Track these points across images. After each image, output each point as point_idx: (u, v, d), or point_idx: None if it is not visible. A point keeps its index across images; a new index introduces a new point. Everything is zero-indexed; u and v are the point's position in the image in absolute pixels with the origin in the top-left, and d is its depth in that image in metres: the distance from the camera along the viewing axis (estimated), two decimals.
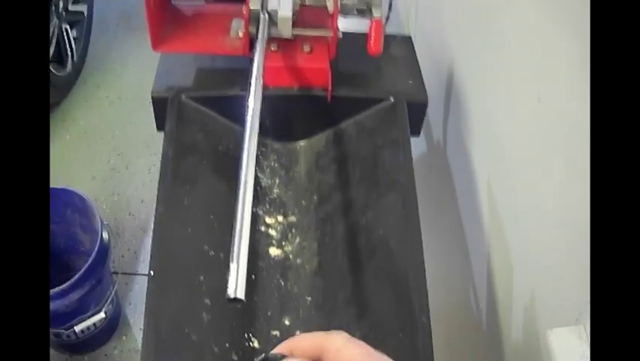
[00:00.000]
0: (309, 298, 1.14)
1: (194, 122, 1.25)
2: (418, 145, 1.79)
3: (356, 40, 1.31)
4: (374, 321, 1.08)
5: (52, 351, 2.29)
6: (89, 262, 1.95)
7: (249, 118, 0.95)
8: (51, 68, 2.99)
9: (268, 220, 1.23)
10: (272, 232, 1.21)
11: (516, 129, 1.17)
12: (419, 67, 1.42)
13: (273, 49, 1.26)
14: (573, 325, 0.90)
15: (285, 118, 1.30)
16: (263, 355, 0.57)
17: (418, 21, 1.93)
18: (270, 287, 1.15)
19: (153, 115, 1.31)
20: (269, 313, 1.12)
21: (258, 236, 1.20)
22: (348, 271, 1.14)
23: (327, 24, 1.28)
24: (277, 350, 0.59)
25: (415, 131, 1.36)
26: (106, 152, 3.03)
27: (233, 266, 0.75)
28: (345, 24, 1.29)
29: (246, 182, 0.85)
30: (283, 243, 1.20)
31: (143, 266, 2.59)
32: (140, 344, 2.36)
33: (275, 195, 1.26)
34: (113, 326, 2.39)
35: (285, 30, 1.23)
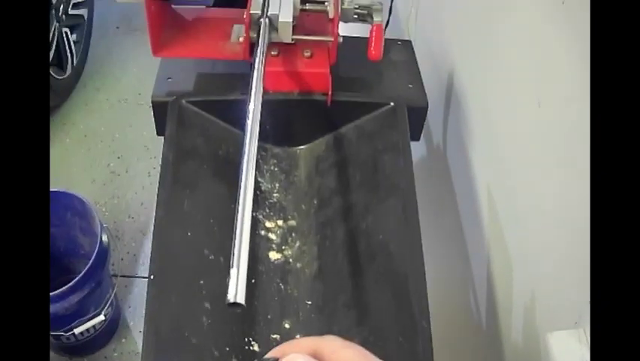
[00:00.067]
0: (309, 302, 1.14)
1: (195, 127, 1.25)
2: (418, 149, 1.79)
3: (356, 44, 1.31)
4: (374, 325, 1.08)
5: (52, 354, 2.30)
6: (89, 264, 1.96)
7: (249, 122, 0.96)
8: (51, 72, 3.00)
9: (268, 224, 1.23)
10: (272, 236, 1.21)
11: (516, 133, 1.17)
12: (419, 71, 1.42)
13: (273, 54, 1.26)
14: (573, 328, 0.91)
15: (285, 122, 1.30)
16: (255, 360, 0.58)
17: (418, 25, 1.93)
18: (270, 291, 1.15)
19: (153, 118, 1.31)
20: (269, 317, 1.12)
21: (257, 240, 1.20)
22: (348, 275, 1.14)
23: (328, 29, 1.28)
24: (271, 354, 0.60)
25: (415, 136, 1.36)
26: (106, 155, 3.04)
27: (233, 271, 0.75)
28: (346, 29, 1.29)
29: (246, 186, 0.85)
30: (283, 247, 1.20)
31: (143, 269, 2.60)
32: (139, 347, 2.36)
33: (275, 200, 1.26)
34: (113, 328, 2.39)
35: (286, 35, 1.23)
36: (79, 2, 3.30)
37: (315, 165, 1.31)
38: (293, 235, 1.22)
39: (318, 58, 1.28)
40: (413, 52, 1.48)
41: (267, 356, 0.59)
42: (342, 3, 1.26)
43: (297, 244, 1.21)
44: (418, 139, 1.38)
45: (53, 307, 1.92)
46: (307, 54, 1.28)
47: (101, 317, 2.15)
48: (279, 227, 1.23)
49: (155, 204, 1.13)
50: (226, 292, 0.73)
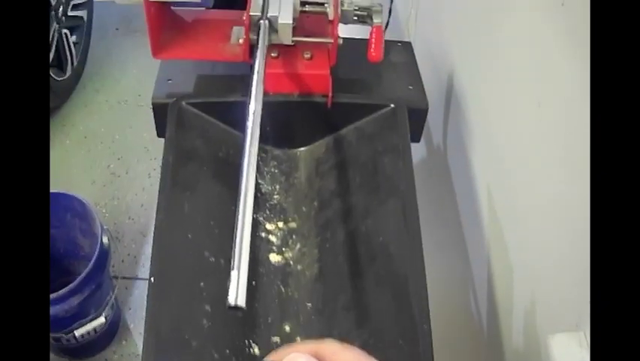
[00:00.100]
0: (309, 305, 1.14)
1: (195, 129, 1.25)
2: (418, 150, 1.79)
3: (356, 46, 1.31)
4: (374, 327, 1.08)
5: (52, 356, 2.30)
6: (89, 266, 1.96)
7: (249, 124, 0.95)
8: (51, 73, 2.99)
9: (268, 226, 1.23)
10: (272, 238, 1.21)
11: (516, 133, 1.17)
12: (419, 73, 1.42)
13: (273, 55, 1.26)
14: (573, 330, 0.91)
15: (286, 124, 1.30)
16: None
17: (418, 26, 1.93)
18: (270, 293, 1.15)
19: (153, 119, 1.31)
20: (269, 320, 1.12)
21: (258, 242, 1.20)
22: (349, 277, 1.14)
23: (328, 31, 1.28)
24: (271, 357, 0.60)
25: (416, 138, 1.36)
26: (106, 156, 3.04)
27: (233, 274, 0.75)
28: (346, 30, 1.29)
29: (246, 188, 0.85)
30: (283, 249, 1.20)
31: (143, 271, 2.60)
32: (140, 349, 2.36)
33: (275, 202, 1.26)
34: (113, 330, 2.39)
35: (286, 37, 1.23)
36: (78, 3, 3.30)
37: (316, 166, 1.31)
38: (293, 236, 1.22)
39: (318, 59, 1.28)
40: (413, 53, 1.48)
41: (266, 359, 0.59)
42: (342, 4, 1.26)
43: (298, 246, 1.21)
44: (418, 141, 1.38)
45: (53, 309, 1.92)
46: (307, 56, 1.28)
47: (102, 319, 2.15)
48: (280, 229, 1.23)
49: (155, 206, 1.13)
50: (227, 295, 0.73)
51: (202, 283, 1.09)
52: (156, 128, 1.32)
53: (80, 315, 2.07)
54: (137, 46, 3.60)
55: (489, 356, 1.32)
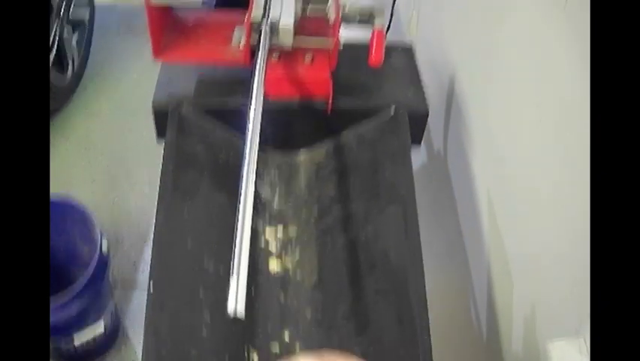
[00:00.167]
0: (308, 313, 1.13)
1: (195, 134, 1.25)
2: (418, 154, 1.79)
3: (357, 50, 1.31)
4: (374, 336, 1.07)
5: None
6: (89, 273, 1.95)
7: (249, 130, 0.95)
8: (51, 75, 2.99)
9: (268, 233, 1.22)
10: (272, 245, 1.21)
11: (516, 138, 1.17)
12: (420, 77, 1.41)
13: (274, 59, 1.26)
14: (573, 337, 0.90)
15: (286, 129, 1.30)
16: None
17: (419, 31, 1.93)
18: (269, 301, 1.14)
19: (154, 122, 1.31)
20: (269, 327, 1.11)
21: (257, 249, 1.19)
22: (348, 285, 1.14)
23: (328, 34, 1.27)
24: None
25: (416, 142, 1.35)
26: (106, 160, 3.03)
27: (233, 282, 0.74)
28: (346, 34, 1.28)
29: (246, 197, 0.84)
30: (283, 256, 1.20)
31: (143, 277, 2.59)
32: (139, 356, 2.34)
33: (275, 208, 1.26)
34: (113, 337, 2.38)
35: (287, 40, 1.23)
36: (80, 5, 3.29)
37: (316, 172, 1.30)
38: (293, 243, 1.21)
39: (319, 63, 1.27)
40: (414, 57, 1.47)
41: None
42: (343, 8, 1.26)
43: (297, 252, 1.20)
44: (418, 144, 1.37)
45: (53, 316, 1.91)
46: (308, 60, 1.27)
47: (101, 326, 2.14)
48: (279, 236, 1.22)
49: (155, 212, 1.12)
50: (226, 303, 0.72)
51: (201, 292, 1.08)
52: (156, 131, 1.31)
53: (80, 322, 2.06)
54: (139, 48, 3.59)
55: None
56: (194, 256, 1.12)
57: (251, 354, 1.08)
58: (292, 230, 1.23)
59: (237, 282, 0.74)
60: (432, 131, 1.73)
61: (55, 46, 3.03)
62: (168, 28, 1.33)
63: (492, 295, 1.29)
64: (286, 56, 1.27)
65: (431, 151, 1.76)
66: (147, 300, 1.02)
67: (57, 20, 3.03)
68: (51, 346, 2.11)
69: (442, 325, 1.31)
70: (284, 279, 1.17)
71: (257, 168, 0.91)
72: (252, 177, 0.88)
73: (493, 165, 1.29)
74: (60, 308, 1.91)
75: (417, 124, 1.33)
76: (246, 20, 1.21)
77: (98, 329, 2.13)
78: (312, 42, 1.27)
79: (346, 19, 1.26)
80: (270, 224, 1.24)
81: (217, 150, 1.26)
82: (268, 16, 1.21)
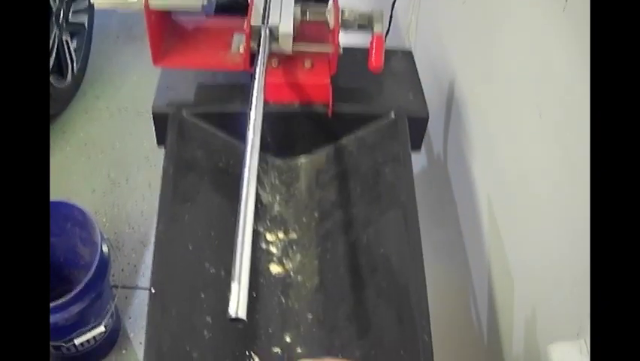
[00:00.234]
0: (310, 315, 1.13)
1: (195, 139, 1.25)
2: (418, 159, 1.79)
3: (356, 55, 1.31)
4: (375, 339, 1.07)
5: None
6: (89, 275, 1.95)
7: (250, 134, 0.95)
8: (51, 80, 2.99)
9: (269, 237, 1.22)
10: (273, 249, 1.21)
11: (516, 141, 1.17)
12: (420, 82, 1.42)
13: (273, 65, 1.26)
14: (574, 339, 0.90)
15: (286, 134, 1.30)
16: None
17: (419, 35, 1.93)
18: (271, 304, 1.14)
19: (153, 126, 1.31)
20: (270, 330, 1.12)
21: (258, 253, 1.20)
22: (349, 288, 1.14)
23: (328, 39, 1.28)
24: None
25: (416, 146, 1.35)
26: (106, 164, 3.03)
27: (234, 286, 0.75)
28: (346, 38, 1.29)
29: (247, 201, 0.85)
30: (284, 260, 1.20)
31: (143, 280, 2.59)
32: (140, 358, 2.35)
33: (276, 212, 1.26)
34: (113, 339, 2.38)
35: (286, 46, 1.23)
36: (79, 9, 3.29)
37: (316, 176, 1.30)
38: (294, 247, 1.22)
39: (319, 69, 1.28)
40: (414, 62, 1.48)
41: None
42: (343, 13, 1.26)
43: (298, 257, 1.20)
44: (418, 149, 1.37)
45: (54, 318, 1.92)
46: (308, 65, 1.27)
47: (102, 328, 2.15)
48: (280, 240, 1.23)
49: (155, 215, 1.12)
50: (227, 307, 0.73)
51: (202, 295, 1.09)
52: (156, 136, 1.32)
53: (80, 324, 2.06)
54: (138, 52, 3.60)
55: None
56: (195, 258, 1.13)
57: (252, 356, 1.08)
58: (293, 234, 1.23)
59: (239, 286, 0.75)
60: (432, 135, 1.73)
61: (55, 50, 3.03)
62: (168, 34, 1.33)
63: (492, 296, 1.29)
64: (286, 62, 1.28)
65: (431, 155, 1.76)
66: (149, 302, 1.03)
67: (56, 25, 3.04)
68: (52, 347, 2.11)
69: (443, 327, 1.31)
70: (285, 282, 1.17)
71: (257, 172, 0.91)
72: (253, 181, 0.89)
73: (493, 168, 1.29)
74: (61, 310, 1.92)
75: (417, 128, 1.34)
76: (245, 26, 1.21)
77: (98, 331, 2.14)
78: (311, 47, 1.28)
79: (345, 24, 1.27)
80: (271, 228, 1.24)
81: (217, 155, 1.26)
82: (267, 21, 1.21)
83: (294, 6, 1.27)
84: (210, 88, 1.35)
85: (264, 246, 1.21)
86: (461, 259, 1.48)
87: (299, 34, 1.26)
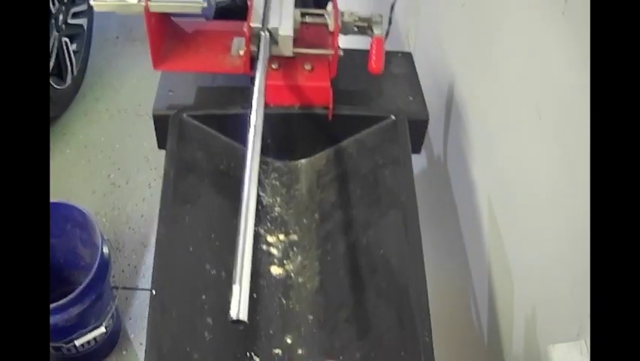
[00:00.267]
0: (310, 317, 1.14)
1: (196, 141, 1.25)
2: (418, 161, 1.79)
3: (356, 57, 1.32)
4: (376, 340, 1.08)
5: None
6: (90, 276, 1.95)
7: (251, 137, 0.96)
8: (51, 82, 2.99)
9: (269, 239, 1.23)
10: (273, 251, 1.21)
11: (516, 144, 1.17)
12: (420, 84, 1.42)
13: (273, 67, 1.26)
14: (574, 340, 0.91)
15: (287, 136, 1.30)
16: None
17: (418, 37, 1.93)
18: (271, 306, 1.15)
19: (153, 129, 1.31)
20: (271, 332, 1.12)
21: (259, 255, 1.20)
22: (350, 290, 1.14)
23: (328, 42, 1.28)
24: None
25: (416, 149, 1.36)
26: (106, 166, 3.03)
27: (235, 288, 0.75)
28: (346, 41, 1.29)
29: (248, 204, 0.85)
30: (284, 261, 1.20)
31: (144, 281, 2.59)
32: (140, 359, 2.36)
33: (276, 214, 1.26)
34: (114, 340, 2.39)
35: (286, 48, 1.24)
36: (78, 12, 3.30)
37: (317, 178, 1.31)
38: (294, 249, 1.22)
39: (319, 71, 1.28)
40: (413, 64, 1.48)
41: None
42: (342, 16, 1.26)
43: (299, 258, 1.21)
44: (418, 152, 1.38)
45: (54, 319, 1.92)
46: (308, 67, 1.28)
47: (102, 329, 2.15)
48: (281, 241, 1.23)
49: (155, 216, 1.13)
50: (228, 309, 0.73)
51: (203, 296, 1.09)
52: (157, 140, 1.32)
53: (81, 325, 2.07)
54: (137, 55, 3.60)
55: None
56: (195, 261, 1.13)
57: (253, 358, 1.09)
58: (293, 236, 1.24)
59: (240, 288, 0.75)
60: (432, 137, 1.73)
61: (55, 53, 3.03)
62: (168, 37, 1.33)
63: (492, 297, 1.29)
64: (286, 64, 1.28)
65: (431, 156, 1.76)
66: (150, 303, 1.03)
67: (56, 27, 3.04)
68: (52, 348, 2.11)
69: (444, 327, 1.32)
70: (286, 284, 1.18)
71: (258, 174, 0.92)
72: (254, 183, 0.89)
73: (492, 169, 1.30)
74: (61, 311, 1.93)
75: (417, 131, 1.34)
76: (245, 28, 1.21)
77: (99, 332, 2.14)
78: (311, 50, 1.28)
79: (345, 27, 1.27)
80: (272, 230, 1.24)
81: (218, 157, 1.27)
82: (267, 24, 1.22)
83: (294, 9, 1.27)
84: (210, 91, 1.36)
85: (264, 247, 1.21)
86: (461, 259, 1.48)
87: (299, 37, 1.26)
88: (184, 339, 1.04)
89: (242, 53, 1.24)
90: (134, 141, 3.13)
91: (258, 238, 1.21)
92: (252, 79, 1.09)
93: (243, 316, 0.73)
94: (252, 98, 1.02)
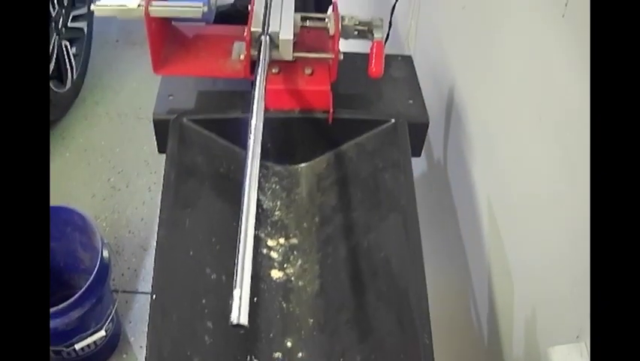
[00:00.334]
0: (311, 320, 1.14)
1: (196, 145, 1.25)
2: (418, 164, 1.79)
3: (356, 61, 1.32)
4: (376, 343, 1.08)
5: None
6: (90, 280, 1.96)
7: (251, 141, 0.96)
8: (50, 85, 2.99)
9: (270, 243, 1.23)
10: (274, 255, 1.21)
11: (516, 148, 1.17)
12: (420, 87, 1.42)
13: (274, 71, 1.27)
14: (574, 342, 0.91)
15: (287, 140, 1.30)
16: None
17: (418, 40, 1.94)
18: (272, 309, 1.15)
19: (153, 132, 1.31)
20: (271, 335, 1.12)
21: (259, 258, 1.20)
22: (350, 293, 1.14)
23: (328, 46, 1.28)
24: None
25: (416, 152, 1.36)
26: (106, 170, 3.04)
27: (236, 292, 0.75)
28: (346, 44, 1.29)
29: (248, 209, 0.85)
30: (285, 265, 1.20)
31: (144, 284, 2.59)
32: None
33: (276, 218, 1.27)
34: (114, 343, 2.39)
35: (287, 53, 1.24)
36: (78, 15, 3.30)
37: (317, 182, 1.31)
38: (295, 253, 1.22)
39: (319, 75, 1.28)
40: (413, 67, 1.48)
41: None
42: (343, 20, 1.27)
43: (299, 262, 1.21)
44: (419, 155, 1.38)
45: (54, 323, 1.92)
46: (308, 71, 1.28)
47: (102, 333, 2.15)
48: (281, 245, 1.23)
49: (155, 220, 1.13)
50: (229, 313, 0.73)
51: (204, 300, 1.09)
52: (157, 144, 1.32)
53: (81, 329, 2.07)
54: (137, 58, 3.60)
55: None
56: (196, 265, 1.13)
57: None
58: (294, 239, 1.24)
59: (241, 292, 0.75)
60: (432, 140, 1.73)
61: (54, 57, 3.03)
62: (168, 41, 1.33)
63: (492, 298, 1.30)
64: (286, 68, 1.28)
65: (431, 159, 1.77)
66: (150, 307, 1.03)
67: (56, 31, 3.04)
68: (53, 352, 2.11)
69: (444, 330, 1.32)
70: (286, 287, 1.18)
71: (258, 179, 0.92)
72: (254, 187, 0.89)
73: (493, 170, 1.30)
74: (61, 314, 1.93)
75: (417, 134, 1.34)
76: (245, 33, 1.22)
77: (99, 335, 2.14)
78: (312, 54, 1.28)
79: (345, 30, 1.27)
80: (272, 233, 1.24)
81: (218, 161, 1.27)
82: (268, 28, 1.22)
83: (295, 13, 1.27)
84: (211, 95, 1.36)
85: (264, 251, 1.21)
86: (461, 261, 1.48)
87: (299, 41, 1.26)
88: (184, 343, 1.04)
89: (242, 57, 1.24)
90: (134, 145, 3.14)
91: (258, 242, 1.22)
92: (253, 83, 1.09)
93: (244, 320, 0.73)
94: (252, 103, 1.02)
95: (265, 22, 1.23)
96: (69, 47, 3.19)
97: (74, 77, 3.26)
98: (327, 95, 1.26)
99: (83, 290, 1.94)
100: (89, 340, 2.12)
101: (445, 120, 1.58)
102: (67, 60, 3.17)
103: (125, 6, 1.20)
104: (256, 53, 1.20)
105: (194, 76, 1.37)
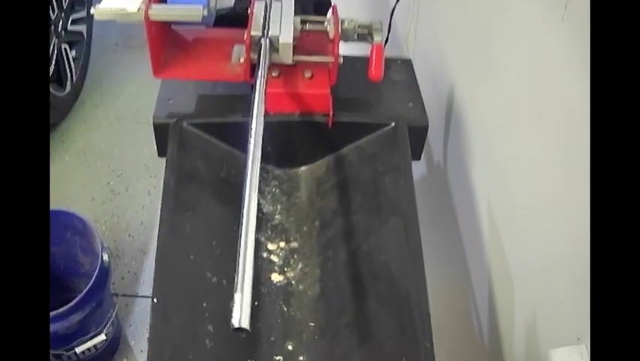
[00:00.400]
0: (311, 324, 1.14)
1: (196, 149, 1.25)
2: (418, 167, 1.79)
3: (356, 64, 1.32)
4: (377, 347, 1.08)
5: None
6: (90, 284, 1.95)
7: (251, 145, 0.96)
8: (50, 89, 2.99)
9: (270, 246, 1.23)
10: (274, 258, 1.21)
11: (516, 150, 1.17)
12: (419, 90, 1.42)
13: (274, 75, 1.27)
14: (575, 343, 0.91)
15: (287, 144, 1.30)
16: None
17: (418, 43, 1.94)
18: (272, 313, 1.15)
19: (153, 136, 1.31)
20: (272, 339, 1.12)
21: (260, 262, 1.20)
22: (351, 297, 1.14)
23: (328, 49, 1.28)
24: None
25: (416, 155, 1.36)
26: (105, 173, 3.03)
27: (237, 296, 0.75)
28: (346, 47, 1.29)
29: (249, 212, 0.85)
30: (285, 269, 1.20)
31: (144, 288, 2.59)
32: None
33: (277, 221, 1.26)
34: (114, 347, 2.38)
35: (287, 56, 1.24)
36: (78, 18, 3.30)
37: (317, 186, 1.31)
38: (295, 256, 1.22)
39: (319, 79, 1.28)
40: (413, 70, 1.48)
41: None
42: (342, 23, 1.27)
43: (300, 265, 1.21)
44: (418, 158, 1.38)
45: (54, 327, 1.92)
46: (308, 75, 1.28)
47: (102, 336, 2.14)
48: (281, 249, 1.23)
49: (155, 224, 1.13)
50: (230, 317, 0.73)
51: (204, 304, 1.09)
52: (157, 148, 1.32)
53: (81, 332, 2.06)
54: (136, 62, 3.60)
55: None
56: (196, 269, 1.13)
57: None
58: (294, 243, 1.24)
59: (242, 296, 0.75)
60: (432, 143, 1.73)
61: (54, 60, 3.03)
62: (168, 45, 1.33)
63: (493, 300, 1.30)
64: (286, 72, 1.28)
65: (431, 162, 1.77)
66: (151, 312, 1.03)
67: (55, 34, 3.04)
68: (53, 356, 2.11)
69: (444, 333, 1.32)
70: (286, 291, 1.18)
71: (258, 182, 0.92)
72: (255, 191, 0.89)
73: (492, 171, 1.30)
74: (61, 318, 1.92)
75: (417, 137, 1.34)
76: (245, 36, 1.22)
77: (99, 339, 2.13)
78: (311, 58, 1.28)
79: (345, 34, 1.27)
80: (272, 237, 1.24)
81: (218, 165, 1.27)
82: (268, 32, 1.22)
83: (294, 16, 1.27)
84: (211, 99, 1.36)
85: (265, 255, 1.21)
86: (461, 263, 1.48)
87: (299, 45, 1.27)
88: (185, 346, 1.04)
89: (242, 60, 1.24)
90: (134, 148, 3.13)
91: (258, 246, 1.22)
92: (252, 87, 1.09)
93: (245, 324, 0.73)
94: (252, 106, 1.02)
95: (265, 26, 1.23)
96: (69, 50, 3.19)
97: (74, 80, 3.26)
98: (327, 98, 1.26)
99: (83, 294, 1.93)
100: (90, 343, 2.11)
101: (445, 122, 1.58)
102: (66, 63, 3.17)
103: (124, 10, 1.20)
104: (256, 56, 1.20)
105: (194, 79, 1.37)
